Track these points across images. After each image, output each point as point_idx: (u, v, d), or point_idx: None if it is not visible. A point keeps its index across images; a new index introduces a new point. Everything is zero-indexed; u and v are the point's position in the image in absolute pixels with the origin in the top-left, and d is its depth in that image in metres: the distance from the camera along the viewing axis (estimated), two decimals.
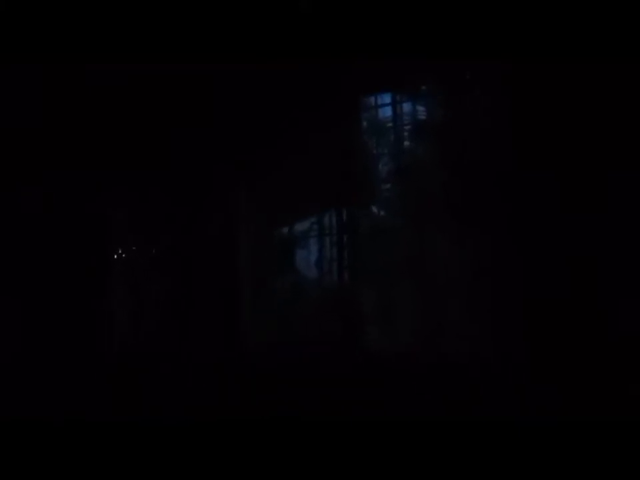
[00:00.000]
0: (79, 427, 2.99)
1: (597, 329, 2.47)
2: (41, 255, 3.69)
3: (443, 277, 2.96)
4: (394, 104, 3.33)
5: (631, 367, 2.37)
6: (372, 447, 2.58)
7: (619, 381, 2.35)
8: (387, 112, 3.36)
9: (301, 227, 3.56)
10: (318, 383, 2.98)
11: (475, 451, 2.43)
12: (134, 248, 3.90)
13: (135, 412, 3.07)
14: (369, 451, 2.57)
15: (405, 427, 2.58)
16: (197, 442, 2.83)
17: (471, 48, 2.76)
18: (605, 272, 2.49)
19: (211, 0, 2.85)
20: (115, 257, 3.88)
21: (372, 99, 3.43)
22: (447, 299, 2.94)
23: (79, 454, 2.84)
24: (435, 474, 2.44)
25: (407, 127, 3.29)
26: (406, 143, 3.33)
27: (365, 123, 3.44)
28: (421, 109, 3.25)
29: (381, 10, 2.81)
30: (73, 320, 3.64)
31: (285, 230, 3.62)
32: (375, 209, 3.36)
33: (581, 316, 2.51)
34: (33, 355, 3.50)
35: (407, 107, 3.31)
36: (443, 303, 2.95)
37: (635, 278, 2.43)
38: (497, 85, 2.89)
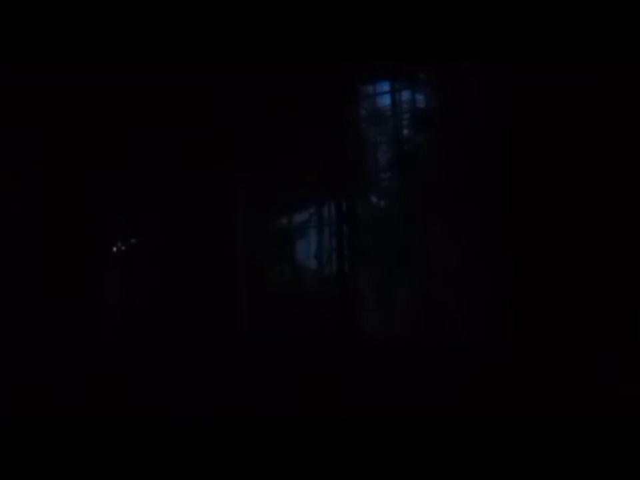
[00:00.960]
0: (75, 423, 2.99)
1: (596, 323, 2.47)
2: (35, 247, 3.70)
3: (442, 265, 2.97)
4: (392, 94, 3.33)
5: (630, 363, 2.37)
6: (371, 441, 2.57)
7: (617, 375, 2.35)
8: (386, 101, 3.36)
9: (298, 216, 3.56)
10: (317, 373, 2.98)
11: (474, 445, 2.43)
12: (124, 261, 3.90)
13: (131, 406, 3.06)
14: (367, 445, 2.56)
15: (403, 419, 2.58)
16: (194, 435, 2.82)
17: (473, 45, 2.76)
18: (605, 266, 2.49)
19: None
20: (110, 247, 3.88)
21: (369, 90, 3.42)
22: (446, 287, 2.94)
23: (73, 452, 2.84)
24: (433, 468, 2.44)
25: (405, 116, 3.29)
26: (405, 132, 3.32)
27: (363, 113, 3.44)
28: (419, 98, 3.25)
29: (381, 9, 2.80)
30: (67, 313, 3.64)
31: (283, 219, 3.62)
32: (373, 198, 3.36)
33: (581, 308, 2.51)
34: (26, 349, 3.50)
35: (405, 96, 3.29)
36: (443, 292, 2.95)
37: (633, 271, 2.43)
38: (497, 76, 2.88)
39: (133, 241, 3.90)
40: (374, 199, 3.35)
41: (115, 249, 3.90)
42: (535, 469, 2.31)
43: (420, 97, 3.23)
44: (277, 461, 2.63)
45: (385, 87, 3.34)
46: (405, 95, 3.28)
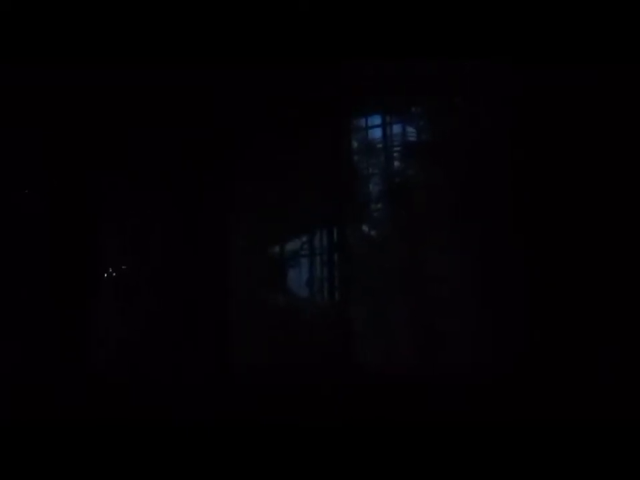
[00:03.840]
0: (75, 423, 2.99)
1: (596, 324, 2.46)
2: (37, 247, 3.68)
3: (438, 293, 2.98)
4: (392, 114, 3.34)
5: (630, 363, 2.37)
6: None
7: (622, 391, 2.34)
8: (385, 123, 3.38)
9: (293, 245, 3.54)
10: (312, 403, 2.93)
11: (474, 446, 2.43)
12: (124, 263, 3.86)
13: (125, 433, 3.01)
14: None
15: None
16: (187, 464, 2.80)
17: (473, 44, 2.76)
18: (605, 268, 2.49)
19: None
20: (104, 274, 3.84)
21: (370, 110, 3.43)
22: (445, 311, 2.95)
23: (73, 452, 2.84)
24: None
25: (405, 135, 3.31)
26: (404, 152, 3.34)
27: (363, 133, 3.45)
28: (418, 119, 3.28)
29: (381, 9, 2.80)
30: (58, 341, 3.59)
31: (277, 248, 3.59)
32: (366, 227, 3.36)
33: (581, 311, 2.52)
34: (27, 350, 3.50)
35: (405, 116, 3.31)
36: (441, 316, 2.96)
37: (633, 272, 2.43)
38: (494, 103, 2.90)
39: (128, 245, 3.88)
40: (368, 227, 3.35)
41: (111, 255, 3.87)
42: (536, 469, 2.31)
43: (414, 125, 3.25)
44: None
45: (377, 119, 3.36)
46: (398, 126, 3.30)
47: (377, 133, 3.39)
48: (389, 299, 3.13)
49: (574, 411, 2.34)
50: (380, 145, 3.37)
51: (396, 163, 3.32)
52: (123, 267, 3.86)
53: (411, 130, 3.30)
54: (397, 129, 3.33)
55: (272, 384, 3.09)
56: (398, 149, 3.32)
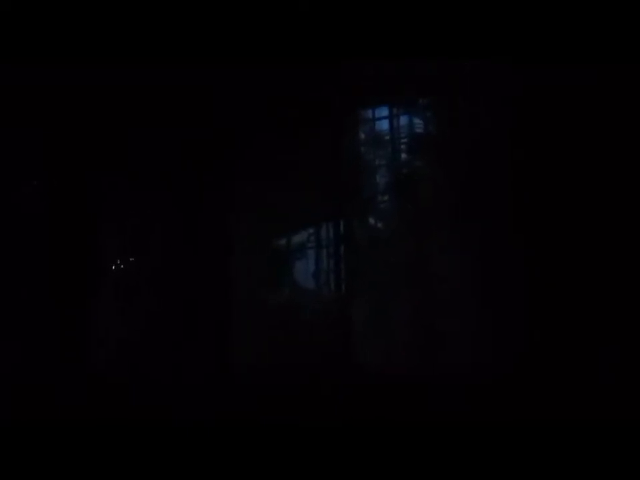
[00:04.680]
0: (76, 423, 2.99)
1: (596, 325, 2.46)
2: (38, 248, 3.68)
3: (438, 293, 2.98)
4: (392, 113, 3.34)
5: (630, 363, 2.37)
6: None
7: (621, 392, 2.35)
8: (385, 123, 3.39)
9: (293, 245, 3.55)
10: (312, 403, 2.92)
11: (475, 446, 2.43)
12: (124, 262, 3.86)
13: (125, 433, 2.99)
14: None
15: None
16: (187, 463, 2.80)
17: (473, 44, 2.76)
18: (605, 268, 2.49)
19: None
20: (104, 274, 3.84)
21: (370, 109, 3.42)
22: (445, 310, 2.95)
23: (73, 452, 2.84)
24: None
25: (405, 135, 3.31)
26: (403, 153, 3.34)
27: (363, 132, 3.45)
28: (418, 118, 3.27)
29: (381, 9, 2.80)
30: (58, 339, 3.58)
31: (281, 243, 3.60)
32: (371, 220, 3.36)
33: (582, 311, 2.52)
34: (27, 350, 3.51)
35: (405, 115, 3.32)
36: (441, 315, 2.96)
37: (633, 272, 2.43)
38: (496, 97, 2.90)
39: (128, 245, 3.88)
40: (374, 221, 3.35)
41: (111, 255, 3.87)
42: (536, 469, 2.31)
43: (418, 106, 3.25)
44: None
45: (384, 106, 3.36)
46: (403, 102, 3.29)
47: (376, 133, 3.40)
48: (388, 300, 3.13)
49: (574, 411, 2.34)
50: (379, 145, 3.37)
51: (395, 163, 3.33)
52: (122, 267, 3.86)
53: (410, 130, 3.30)
54: (396, 128, 3.33)
55: (272, 384, 3.09)
56: (398, 148, 3.32)
